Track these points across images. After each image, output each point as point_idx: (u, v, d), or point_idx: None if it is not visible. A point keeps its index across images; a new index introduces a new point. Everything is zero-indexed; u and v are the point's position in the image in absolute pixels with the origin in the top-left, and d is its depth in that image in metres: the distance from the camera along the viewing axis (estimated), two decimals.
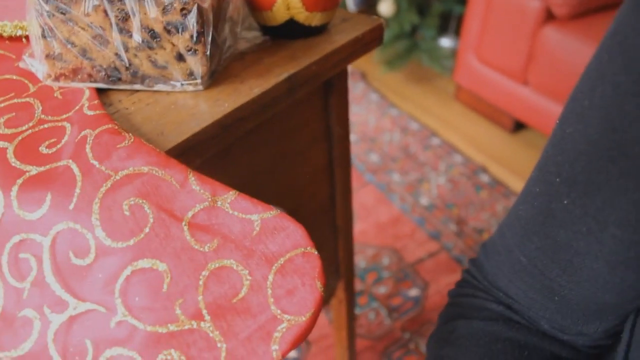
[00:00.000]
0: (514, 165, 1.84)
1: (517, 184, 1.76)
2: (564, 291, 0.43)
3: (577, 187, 0.38)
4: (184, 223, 0.38)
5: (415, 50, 2.07)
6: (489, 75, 1.91)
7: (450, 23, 2.13)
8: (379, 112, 2.11)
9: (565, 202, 0.40)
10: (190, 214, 0.38)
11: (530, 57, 1.74)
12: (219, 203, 0.39)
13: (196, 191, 0.39)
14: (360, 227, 1.59)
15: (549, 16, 1.69)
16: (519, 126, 1.98)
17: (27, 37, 0.56)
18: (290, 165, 0.63)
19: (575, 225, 0.39)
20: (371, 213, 1.65)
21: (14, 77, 0.51)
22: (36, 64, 0.50)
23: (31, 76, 0.51)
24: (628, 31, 0.34)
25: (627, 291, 0.40)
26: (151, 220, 0.38)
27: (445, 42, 2.13)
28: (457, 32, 2.12)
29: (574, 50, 1.61)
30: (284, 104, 0.51)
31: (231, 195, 0.39)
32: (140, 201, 0.38)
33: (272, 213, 0.39)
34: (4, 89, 0.49)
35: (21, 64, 0.52)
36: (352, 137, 1.97)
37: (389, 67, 2.09)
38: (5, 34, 0.56)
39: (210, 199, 0.39)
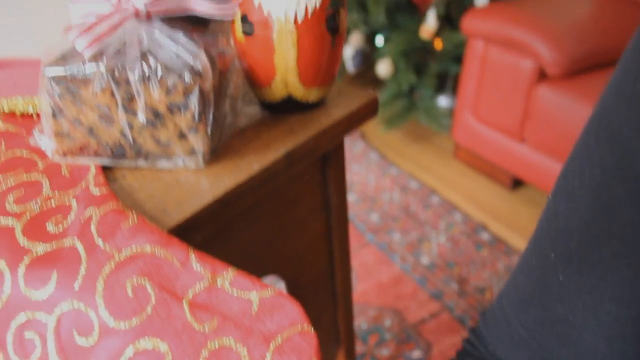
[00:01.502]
0: (514, 223, 1.85)
1: (518, 241, 1.77)
2: None
3: (572, 264, 0.39)
4: (184, 302, 0.39)
5: (414, 109, 2.11)
6: (486, 133, 1.95)
7: (447, 82, 2.18)
8: (379, 171, 2.13)
9: (561, 277, 0.40)
10: (191, 293, 0.39)
11: (526, 115, 1.78)
12: (219, 282, 0.40)
13: (197, 271, 0.40)
14: (361, 288, 1.59)
15: (543, 76, 1.74)
16: (517, 183, 2.00)
17: (37, 114, 0.58)
18: (289, 235, 0.64)
19: (572, 300, 0.40)
20: (372, 273, 1.64)
21: (24, 153, 0.53)
22: (45, 141, 0.52)
23: (40, 152, 0.53)
24: (613, 118, 0.35)
25: None
26: (153, 300, 0.39)
27: (443, 101, 2.18)
28: (454, 91, 2.17)
29: (568, 109, 1.64)
30: (282, 179, 0.52)
31: (231, 273, 0.41)
32: (143, 280, 0.39)
33: (270, 291, 0.40)
34: (14, 164, 0.51)
35: (31, 141, 0.53)
36: (352, 197, 1.99)
37: (388, 126, 2.12)
38: (17, 111, 0.58)
39: (210, 278, 0.40)
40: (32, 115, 0.58)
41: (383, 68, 2.09)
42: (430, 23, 2.01)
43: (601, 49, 1.75)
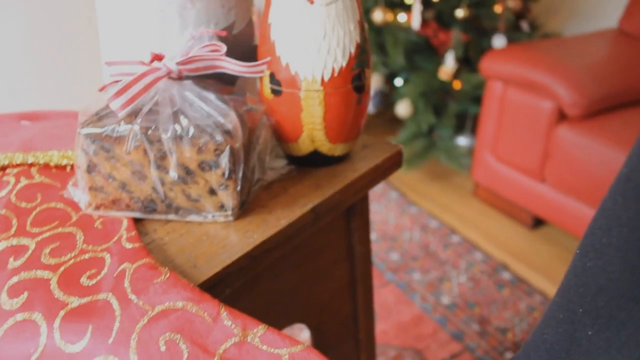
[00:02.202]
0: (535, 262, 1.84)
1: (539, 281, 1.75)
2: None
3: (601, 321, 0.39)
4: (216, 358, 0.40)
5: (433, 149, 2.13)
6: (506, 172, 1.95)
7: (466, 122, 2.19)
8: (399, 210, 2.14)
9: (590, 333, 0.40)
10: (222, 348, 0.40)
11: (546, 155, 1.78)
12: (249, 338, 0.41)
13: (228, 326, 0.41)
14: (381, 328, 1.58)
15: (562, 116, 1.74)
16: (538, 222, 1.99)
17: (72, 166, 0.60)
18: (314, 284, 0.65)
19: (601, 357, 0.40)
20: (392, 313, 1.64)
21: (59, 206, 0.55)
22: (79, 194, 0.54)
23: (74, 205, 0.55)
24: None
25: None
26: (185, 355, 0.40)
27: (462, 140, 2.19)
28: (473, 131, 2.18)
29: (588, 149, 1.64)
30: (308, 232, 0.54)
31: (261, 329, 0.42)
32: (175, 336, 0.40)
33: (299, 347, 0.41)
34: (49, 217, 0.53)
35: (65, 193, 0.55)
36: (372, 236, 1.99)
37: (408, 165, 2.13)
38: (52, 163, 0.60)
39: (241, 334, 0.41)
40: (66, 167, 0.60)
41: (402, 108, 2.11)
42: (448, 64, 2.03)
43: (620, 89, 1.75)
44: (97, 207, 0.53)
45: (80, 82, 1.78)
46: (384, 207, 2.16)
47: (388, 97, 2.29)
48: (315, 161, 0.59)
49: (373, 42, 2.18)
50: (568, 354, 0.43)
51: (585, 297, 0.40)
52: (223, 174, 0.49)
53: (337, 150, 0.58)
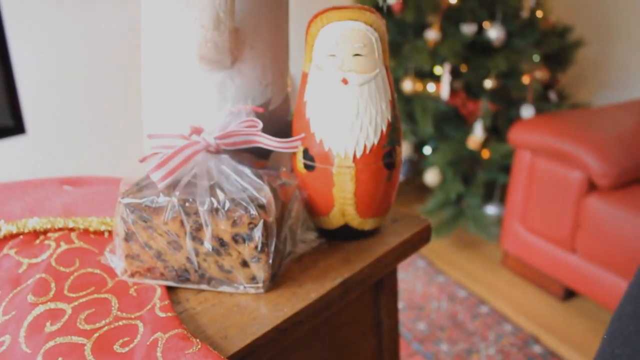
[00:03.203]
0: (567, 335, 1.79)
1: (571, 355, 1.70)
2: None
3: None
4: None
5: (461, 217, 2.12)
6: (535, 242, 1.93)
7: (495, 191, 2.19)
8: (426, 279, 2.11)
9: None
10: None
11: (576, 226, 1.76)
12: None
13: None
14: None
15: (592, 186, 1.73)
16: (569, 294, 1.95)
17: (109, 232, 0.62)
18: (340, 356, 0.65)
19: None
20: None
21: (96, 271, 0.57)
22: (115, 261, 0.56)
23: (110, 271, 0.57)
24: None
25: None
26: None
27: (491, 209, 2.18)
28: (502, 200, 2.18)
29: (619, 220, 1.63)
30: (337, 306, 0.54)
31: None
32: None
33: None
34: (86, 282, 0.55)
35: (102, 260, 0.57)
36: (399, 305, 1.97)
37: (436, 234, 2.13)
38: (91, 229, 0.62)
39: None
40: (104, 233, 0.62)
41: (431, 177, 2.12)
42: (477, 134, 2.05)
43: None
44: (133, 275, 0.55)
45: (122, 153, 1.85)
46: (412, 276, 2.14)
47: (417, 165, 2.31)
48: (345, 235, 0.60)
49: (402, 110, 2.22)
50: None
51: None
52: (256, 247, 0.51)
53: (367, 224, 0.59)
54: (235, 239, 0.51)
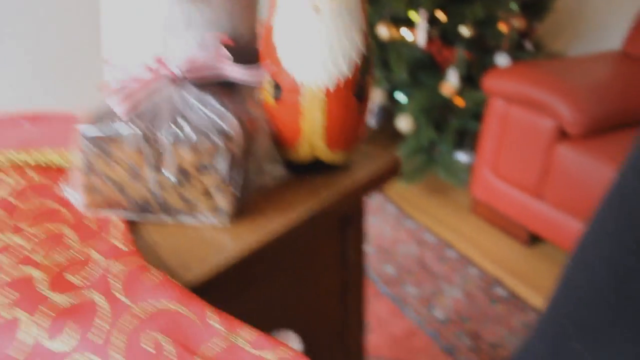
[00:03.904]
0: (530, 279, 1.83)
1: (534, 298, 1.75)
2: None
3: (587, 334, 0.39)
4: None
5: (433, 164, 2.13)
6: (504, 189, 1.95)
7: (467, 139, 2.19)
8: (395, 224, 2.13)
9: (577, 346, 0.40)
10: (210, 351, 0.40)
11: (545, 173, 1.78)
12: (238, 341, 0.41)
13: (216, 328, 0.41)
14: (374, 340, 1.57)
15: (563, 135, 1.75)
16: (535, 239, 1.99)
17: (68, 166, 0.60)
18: (305, 289, 0.65)
19: None
20: (385, 325, 1.63)
21: (53, 205, 0.55)
22: (74, 194, 0.54)
23: (68, 204, 0.55)
24: (631, 193, 0.36)
25: None
26: (171, 356, 0.39)
27: (462, 156, 2.19)
28: (473, 147, 2.18)
29: (588, 168, 1.64)
30: (303, 238, 0.53)
31: (249, 332, 0.41)
32: (163, 337, 0.40)
33: (288, 352, 0.41)
34: (44, 216, 0.53)
35: (60, 193, 0.55)
36: (368, 249, 1.99)
37: (407, 180, 2.13)
38: (49, 163, 0.60)
39: (229, 337, 0.41)
40: (63, 168, 0.60)
41: (404, 123, 2.11)
42: (451, 81, 2.04)
43: (621, 109, 1.76)
44: (92, 208, 0.53)
45: (81, 85, 1.78)
46: (381, 220, 2.16)
47: (390, 112, 2.29)
48: (313, 168, 0.59)
49: (377, 57, 2.19)
50: None
51: (573, 311, 0.40)
52: (220, 177, 0.49)
53: (336, 158, 0.58)
54: (198, 169, 0.49)
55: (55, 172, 0.60)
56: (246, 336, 0.41)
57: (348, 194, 0.57)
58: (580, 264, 0.40)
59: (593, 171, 1.63)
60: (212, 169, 0.49)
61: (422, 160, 2.12)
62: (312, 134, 0.55)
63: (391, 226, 2.12)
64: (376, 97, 2.23)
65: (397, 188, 2.35)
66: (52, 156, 0.60)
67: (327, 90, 0.53)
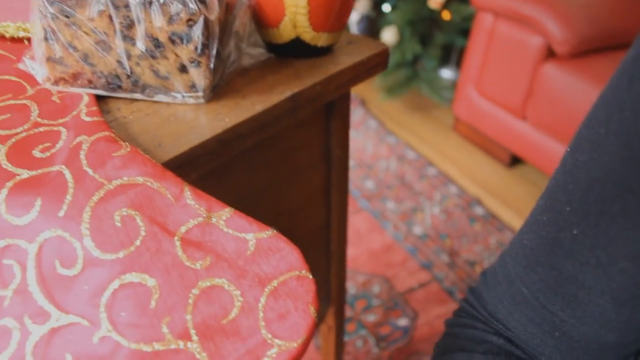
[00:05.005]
0: (509, 200, 1.84)
1: (512, 218, 1.76)
2: (565, 327, 0.41)
3: (589, 217, 0.37)
4: (176, 238, 0.37)
5: (416, 79, 2.08)
6: (487, 108, 1.92)
7: (452, 55, 2.14)
8: (377, 139, 2.11)
9: (575, 232, 0.38)
10: (183, 229, 0.37)
11: (530, 93, 1.75)
12: (214, 220, 0.38)
13: (191, 206, 0.38)
14: (352, 253, 1.58)
15: (550, 54, 1.71)
16: (515, 161, 1.99)
17: (29, 39, 0.55)
18: (287, 186, 0.62)
19: (584, 257, 0.38)
20: (364, 239, 1.63)
21: (13, 79, 0.50)
22: (36, 67, 0.49)
23: (30, 79, 0.50)
24: None
25: (631, 331, 0.38)
26: (143, 233, 0.36)
27: (446, 73, 2.14)
28: (458, 64, 2.14)
29: (573, 89, 1.62)
30: (285, 123, 0.50)
31: (227, 212, 0.38)
32: (133, 212, 0.37)
33: (267, 233, 0.38)
34: (2, 89, 0.48)
35: (21, 66, 0.51)
36: (349, 163, 1.97)
37: (389, 94, 2.09)
38: (7, 35, 0.55)
39: (205, 215, 0.38)
40: (23, 40, 0.55)
41: (388, 35, 2.05)
42: None
43: (611, 31, 1.72)
44: (56, 82, 0.49)
45: None
46: (362, 135, 2.13)
47: (374, 23, 2.22)
48: (296, 50, 0.54)
49: None
50: (548, 256, 0.41)
51: (574, 194, 0.38)
52: (195, 49, 0.45)
53: (321, 40, 0.54)
54: (172, 39, 0.45)
55: (16, 45, 0.55)
56: (224, 216, 0.38)
57: (332, 79, 0.53)
58: (585, 144, 0.37)
59: (579, 93, 1.60)
60: (186, 39, 0.44)
61: (405, 75, 2.07)
62: (295, 10, 0.51)
63: (372, 141, 2.10)
64: (361, 6, 2.15)
65: (380, 103, 2.31)
66: (11, 28, 0.55)
67: None
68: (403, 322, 1.38)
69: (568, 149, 0.40)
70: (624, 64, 0.35)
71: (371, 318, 1.39)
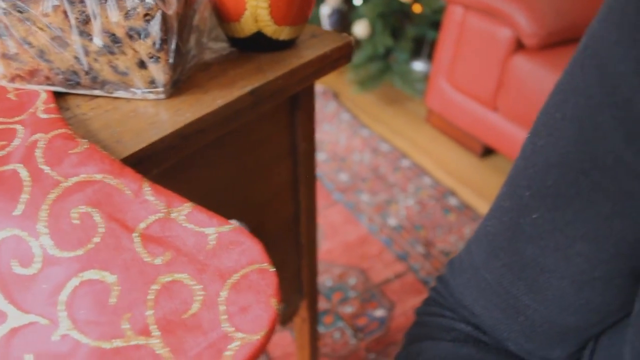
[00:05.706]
0: (482, 190, 1.86)
1: (485, 208, 1.77)
2: (529, 311, 0.42)
3: (547, 201, 0.38)
4: (135, 234, 0.36)
5: (388, 72, 2.09)
6: (459, 100, 1.94)
7: (424, 47, 2.15)
8: (350, 132, 2.11)
9: (535, 216, 0.39)
10: (142, 225, 0.37)
11: (500, 85, 1.77)
12: (174, 215, 0.38)
13: (150, 202, 0.38)
14: (327, 246, 1.58)
15: (520, 46, 1.72)
16: (488, 151, 2.01)
17: None
18: (253, 180, 0.62)
19: (543, 241, 0.39)
20: (339, 232, 1.64)
21: None
22: None
23: None
24: (600, 43, 0.33)
25: (590, 314, 0.39)
26: (101, 230, 0.36)
27: (418, 65, 2.15)
28: (429, 57, 2.15)
29: (542, 80, 1.64)
30: (247, 118, 0.50)
31: (187, 207, 0.38)
32: (91, 210, 0.37)
33: (228, 227, 0.38)
34: None
35: None
36: (322, 156, 1.97)
37: (362, 87, 2.10)
38: None
39: (164, 211, 0.38)
40: None
41: (360, 29, 2.05)
42: None
43: (578, 23, 1.74)
44: (12, 79, 0.48)
45: None
46: (336, 128, 2.13)
47: (346, 16, 2.22)
48: (258, 44, 0.54)
49: None
50: (510, 242, 0.41)
51: (533, 179, 0.39)
52: (154, 44, 0.44)
53: (283, 33, 0.53)
54: (129, 34, 0.44)
55: None
56: (184, 211, 0.38)
57: (295, 73, 0.53)
58: (543, 129, 0.38)
59: (547, 84, 1.62)
60: (144, 35, 0.44)
61: (377, 68, 2.08)
62: (256, 5, 0.51)
63: (346, 134, 2.10)
64: (332, 0, 2.15)
65: (352, 96, 2.32)
66: None
67: None
68: (380, 313, 1.39)
69: (528, 135, 0.40)
70: (577, 52, 0.36)
71: (348, 310, 1.40)
